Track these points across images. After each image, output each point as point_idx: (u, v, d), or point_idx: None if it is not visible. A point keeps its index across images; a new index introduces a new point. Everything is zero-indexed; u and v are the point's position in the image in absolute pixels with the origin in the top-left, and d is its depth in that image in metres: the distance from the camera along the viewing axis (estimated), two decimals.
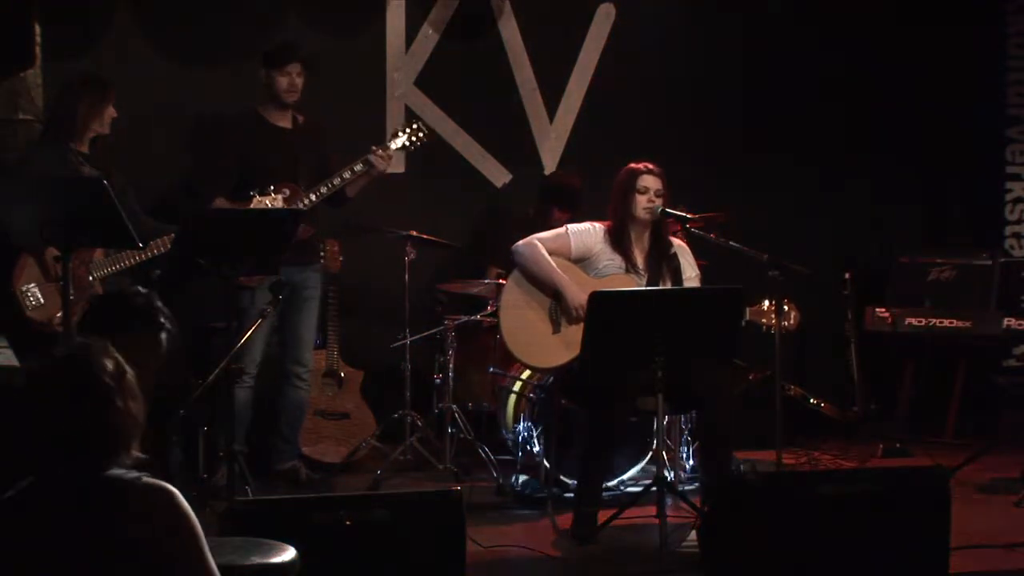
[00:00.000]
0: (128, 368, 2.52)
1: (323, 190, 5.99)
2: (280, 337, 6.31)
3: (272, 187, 5.80)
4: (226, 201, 5.95)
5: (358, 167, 6.07)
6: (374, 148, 6.13)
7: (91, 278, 5.52)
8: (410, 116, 6.88)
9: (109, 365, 2.46)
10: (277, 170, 6.01)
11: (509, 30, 7.57)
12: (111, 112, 5.67)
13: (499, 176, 7.64)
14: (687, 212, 5.83)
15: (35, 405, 2.45)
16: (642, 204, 5.61)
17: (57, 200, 4.94)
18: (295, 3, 7.24)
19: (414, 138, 6.30)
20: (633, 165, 5.70)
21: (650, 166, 5.68)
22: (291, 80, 6.09)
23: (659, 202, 5.62)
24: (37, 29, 6.28)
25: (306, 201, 5.92)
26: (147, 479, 2.47)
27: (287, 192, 5.90)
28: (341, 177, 6.04)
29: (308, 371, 6.33)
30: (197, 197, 6.11)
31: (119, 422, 2.45)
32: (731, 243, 5.59)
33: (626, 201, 5.63)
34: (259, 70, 6.18)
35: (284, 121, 6.18)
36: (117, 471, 2.47)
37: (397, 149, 6.27)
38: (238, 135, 6.11)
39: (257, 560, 3.23)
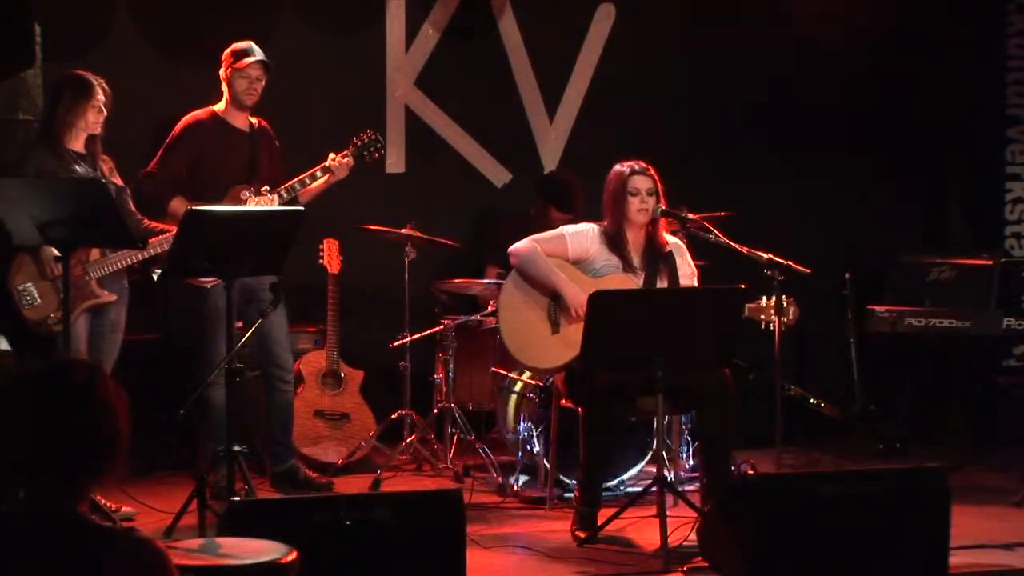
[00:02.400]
0: (106, 383, 2.43)
1: (284, 195, 5.98)
2: (253, 343, 6.20)
3: (251, 189, 5.82)
4: (183, 202, 5.91)
5: (319, 173, 6.06)
6: (332, 156, 6.11)
7: (87, 278, 5.52)
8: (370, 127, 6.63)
9: (79, 377, 2.40)
10: (234, 172, 6.00)
11: (509, 30, 7.57)
12: (98, 111, 5.61)
13: (499, 176, 7.65)
14: (687, 212, 5.82)
15: (10, 416, 2.41)
16: (635, 207, 5.60)
17: (57, 200, 4.93)
18: (295, 3, 7.24)
19: (371, 148, 6.25)
20: (621, 166, 5.67)
21: (639, 165, 5.65)
22: (250, 82, 6.06)
23: (652, 202, 5.60)
24: (37, 29, 6.28)
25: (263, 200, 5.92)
26: (139, 534, 2.38)
27: (246, 194, 5.90)
28: (301, 182, 6.03)
29: (290, 372, 6.27)
30: (155, 199, 6.04)
31: (94, 434, 2.37)
32: (731, 243, 5.59)
33: (620, 204, 5.62)
34: (219, 69, 6.13)
35: (242, 123, 6.16)
36: (106, 524, 2.37)
37: (355, 157, 6.19)
38: (194, 135, 6.09)
39: (257, 560, 3.23)
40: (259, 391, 6.26)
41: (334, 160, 6.09)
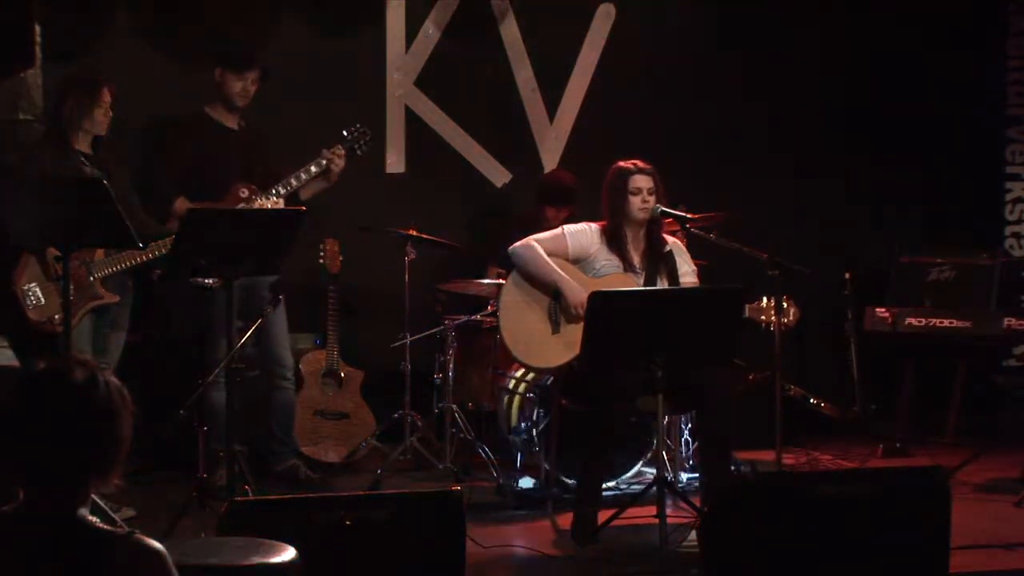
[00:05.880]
0: (108, 384, 2.42)
1: (281, 191, 6.00)
2: (255, 341, 6.23)
3: (251, 187, 5.85)
4: (187, 201, 5.95)
5: (314, 168, 6.10)
6: (325, 150, 6.15)
7: (91, 278, 5.52)
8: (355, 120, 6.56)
9: (80, 377, 2.39)
10: (230, 170, 6.04)
11: (509, 30, 7.57)
12: (104, 112, 5.62)
13: (499, 176, 7.64)
14: (686, 211, 5.82)
15: (11, 418, 2.40)
16: (636, 205, 5.60)
17: (57, 200, 4.93)
18: (295, 3, 7.24)
19: (361, 141, 6.30)
20: (622, 164, 5.68)
21: (640, 164, 5.66)
22: (245, 86, 6.15)
23: (652, 201, 5.61)
24: (37, 29, 6.27)
25: (267, 202, 5.94)
26: (139, 536, 2.36)
27: (246, 192, 5.92)
28: (298, 177, 6.06)
29: (290, 370, 6.33)
30: (159, 200, 6.07)
31: (95, 436, 2.37)
32: (731, 243, 5.59)
33: (620, 202, 5.62)
34: (214, 69, 6.20)
35: (231, 122, 6.22)
36: (107, 526, 2.37)
37: (346, 150, 6.25)
38: (189, 135, 6.15)
39: (257, 560, 3.23)
40: (261, 391, 6.27)
41: (326, 153, 6.12)
